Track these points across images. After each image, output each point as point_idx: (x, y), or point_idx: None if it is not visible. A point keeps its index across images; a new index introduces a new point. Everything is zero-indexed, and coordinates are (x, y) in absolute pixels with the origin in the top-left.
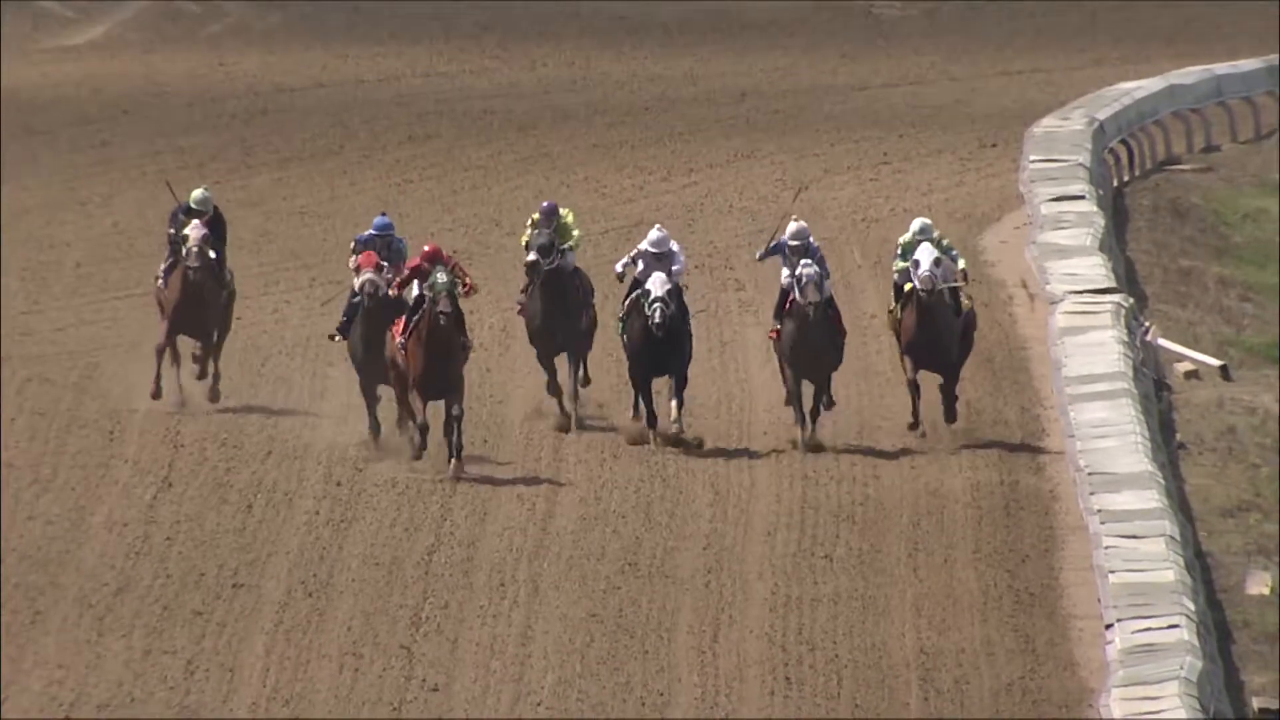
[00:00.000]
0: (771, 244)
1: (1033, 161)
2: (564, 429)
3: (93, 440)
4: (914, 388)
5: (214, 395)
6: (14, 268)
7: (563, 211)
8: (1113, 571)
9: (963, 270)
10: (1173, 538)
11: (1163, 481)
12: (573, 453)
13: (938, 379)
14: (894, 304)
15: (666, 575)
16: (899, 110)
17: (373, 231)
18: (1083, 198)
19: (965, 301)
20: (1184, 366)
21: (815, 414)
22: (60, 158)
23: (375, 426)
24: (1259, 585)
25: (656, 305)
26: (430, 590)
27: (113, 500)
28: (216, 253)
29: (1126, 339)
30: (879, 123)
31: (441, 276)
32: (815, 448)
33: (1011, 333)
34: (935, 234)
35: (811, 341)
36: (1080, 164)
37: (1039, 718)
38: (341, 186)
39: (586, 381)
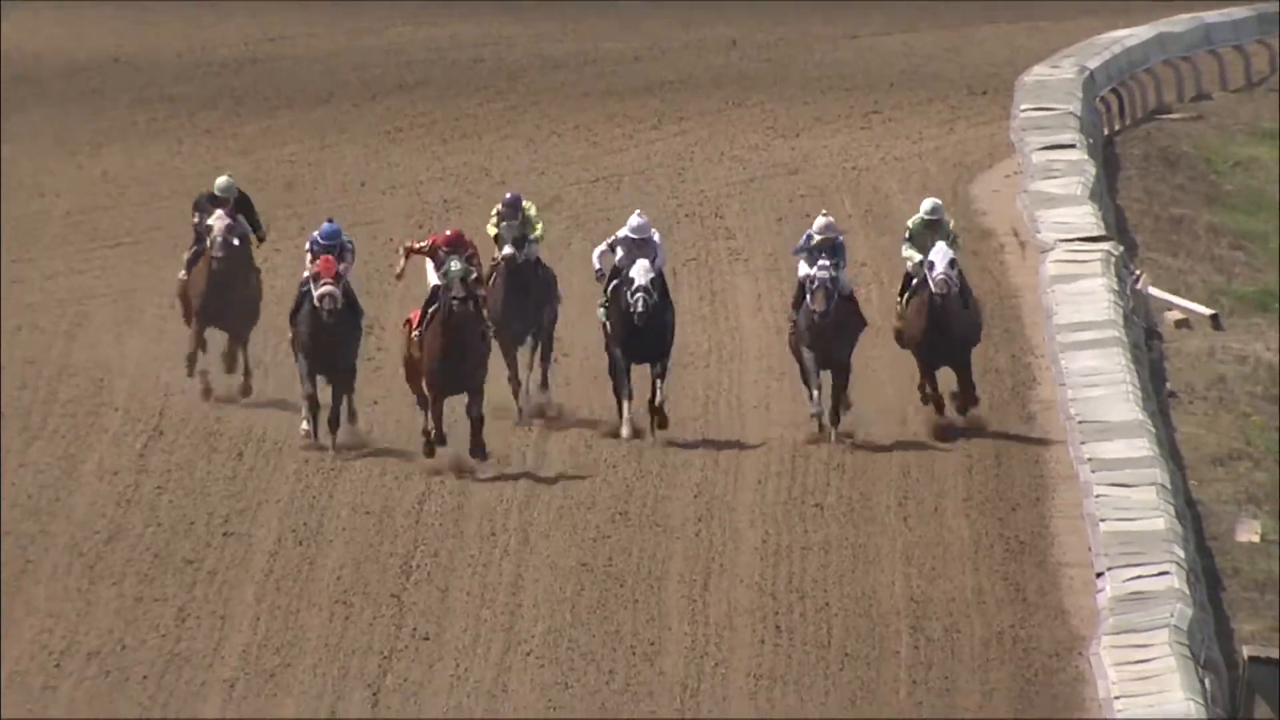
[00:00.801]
0: (802, 241)
1: (1023, 110)
2: (521, 422)
3: (83, 388)
4: (931, 382)
5: (246, 389)
6: (3, 216)
7: (525, 204)
8: (1103, 520)
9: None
10: (1163, 486)
11: (1153, 430)
12: (563, 400)
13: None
14: (899, 297)
15: (657, 524)
16: (890, 58)
17: (321, 241)
18: (1073, 146)
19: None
20: (1174, 315)
21: (836, 416)
22: (50, 106)
23: (314, 411)
24: (1249, 533)
25: (639, 295)
26: (421, 539)
27: (103, 448)
28: (243, 241)
29: (1117, 287)
30: (869, 71)
31: (456, 264)
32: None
33: (1002, 281)
34: (945, 215)
35: (828, 336)
36: (1071, 113)
37: (1029, 666)
38: (331, 135)
39: (544, 384)
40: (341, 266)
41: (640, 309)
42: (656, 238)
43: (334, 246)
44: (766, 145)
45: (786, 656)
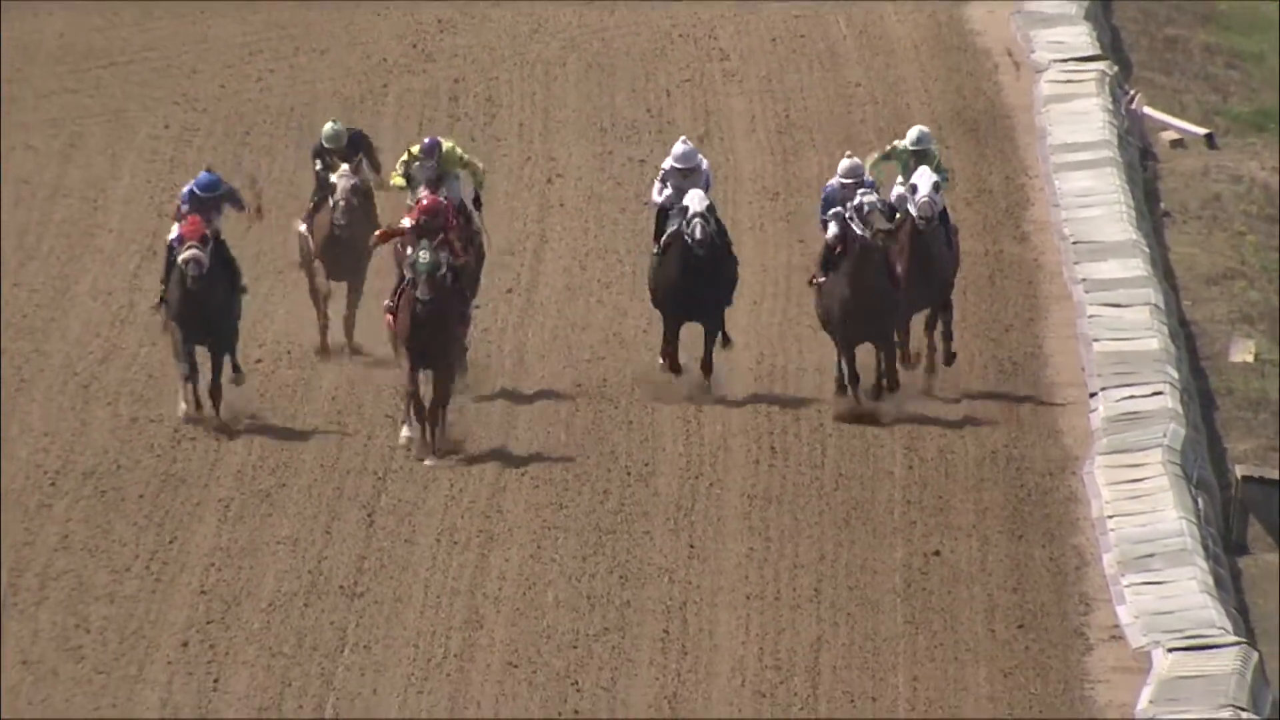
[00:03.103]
0: (822, 197)
1: None
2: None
3: (77, 209)
4: (904, 325)
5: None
6: None
7: (446, 146)
8: (1097, 340)
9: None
10: (1157, 306)
11: (1147, 250)
12: (558, 222)
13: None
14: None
15: (650, 346)
16: None
17: (196, 191)
18: None
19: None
20: (1169, 134)
21: (880, 390)
22: None
23: (194, 383)
24: (1242, 353)
25: (696, 221)
26: None
27: (97, 268)
28: (365, 198)
29: (1112, 107)
30: None
31: (425, 255)
32: (871, 419)
33: (996, 101)
34: (933, 145)
35: (868, 290)
36: None
37: (1022, 485)
38: None
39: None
40: (223, 215)
41: (698, 235)
42: (705, 165)
43: (211, 200)
44: None
45: (781, 476)
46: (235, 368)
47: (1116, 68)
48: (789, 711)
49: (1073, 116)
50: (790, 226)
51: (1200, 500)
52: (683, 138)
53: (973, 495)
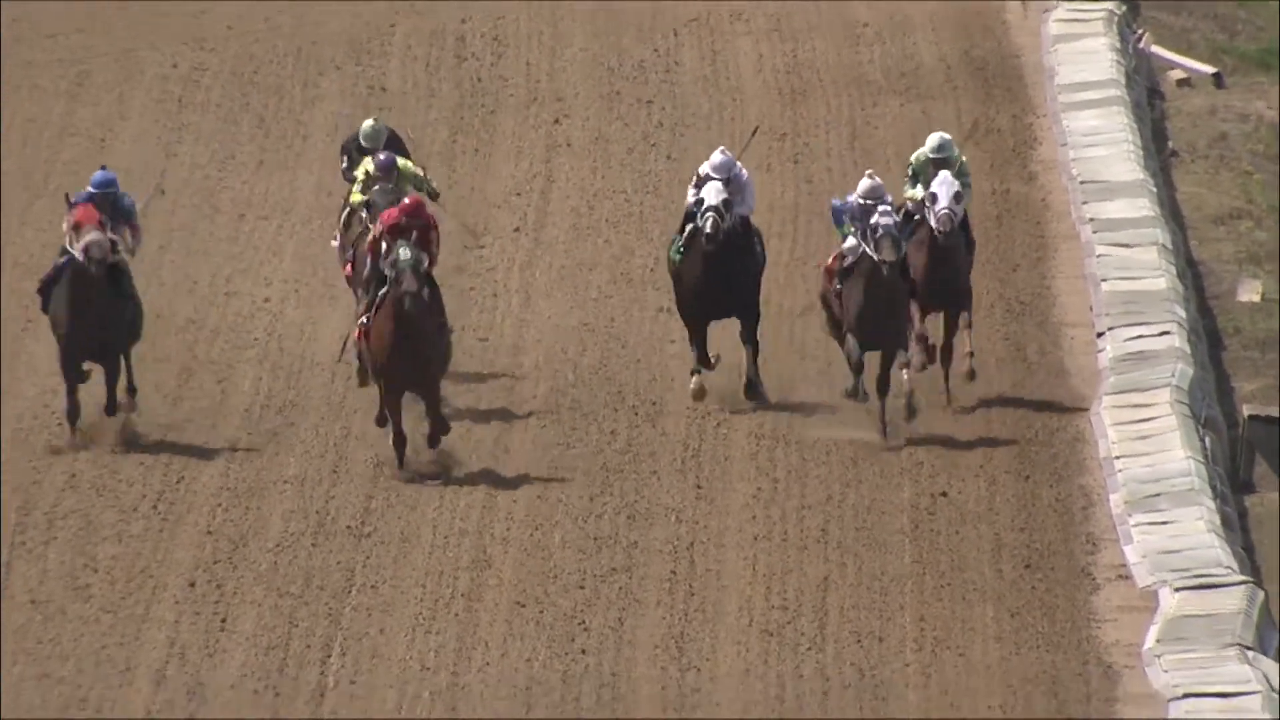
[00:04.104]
0: (838, 204)
1: None
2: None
3: (84, 149)
4: (923, 340)
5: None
6: None
7: (401, 164)
8: (1105, 280)
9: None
10: (1165, 245)
11: (1155, 189)
12: (565, 162)
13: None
14: None
15: (658, 287)
16: None
17: (92, 190)
18: None
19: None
20: (1177, 73)
21: (884, 391)
22: None
23: (73, 410)
24: (1250, 292)
25: (709, 214)
26: None
27: None
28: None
29: (1119, 46)
30: None
31: (405, 252)
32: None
33: (1004, 40)
34: (956, 153)
35: (882, 304)
36: None
37: (1029, 425)
38: None
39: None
40: (120, 237)
41: (709, 230)
42: (744, 176)
43: (106, 196)
44: None
45: (788, 416)
46: (130, 386)
47: (1124, 6)
48: (796, 651)
49: (1080, 55)
50: (798, 167)
51: (1207, 440)
52: (721, 148)
53: (980, 435)
